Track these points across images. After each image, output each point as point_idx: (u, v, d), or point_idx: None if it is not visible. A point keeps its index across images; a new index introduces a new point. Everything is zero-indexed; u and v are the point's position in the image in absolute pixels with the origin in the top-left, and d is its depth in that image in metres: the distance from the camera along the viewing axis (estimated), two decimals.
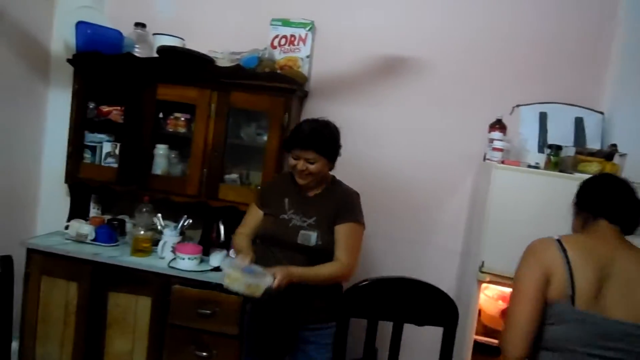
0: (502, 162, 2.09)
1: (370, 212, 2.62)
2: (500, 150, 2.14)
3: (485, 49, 2.48)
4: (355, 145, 2.61)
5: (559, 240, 1.32)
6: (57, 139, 2.73)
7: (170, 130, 2.56)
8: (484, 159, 2.31)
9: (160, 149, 2.55)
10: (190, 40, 2.62)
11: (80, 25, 2.56)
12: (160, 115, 2.56)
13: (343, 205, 1.89)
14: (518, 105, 2.38)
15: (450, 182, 2.56)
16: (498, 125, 2.26)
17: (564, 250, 1.29)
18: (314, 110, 2.64)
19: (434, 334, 1.77)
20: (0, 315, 1.55)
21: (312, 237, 1.82)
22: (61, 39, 2.76)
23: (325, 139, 1.82)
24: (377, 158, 2.61)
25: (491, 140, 2.21)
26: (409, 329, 1.73)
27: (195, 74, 2.45)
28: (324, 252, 1.81)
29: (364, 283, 1.72)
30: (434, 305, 1.69)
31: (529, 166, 2.07)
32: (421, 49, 2.53)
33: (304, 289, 1.76)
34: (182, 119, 2.55)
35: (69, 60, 2.59)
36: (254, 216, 2.01)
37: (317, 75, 2.65)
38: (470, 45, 2.50)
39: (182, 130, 2.55)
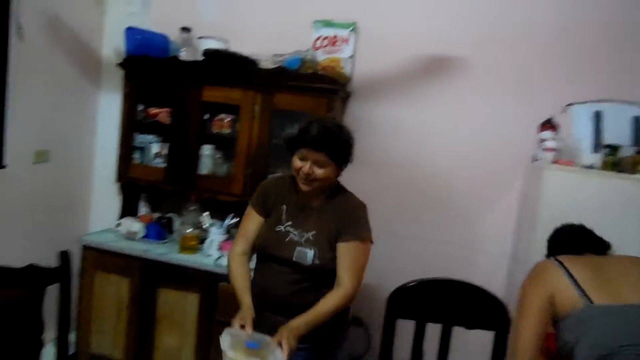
0: (554, 163, 2.03)
1: (413, 214, 2.63)
2: (552, 150, 2.07)
3: (533, 45, 2.41)
4: (398, 146, 2.60)
5: (556, 259, 1.42)
6: (108, 140, 2.84)
7: (216, 131, 2.61)
8: (534, 159, 2.24)
9: (206, 150, 2.60)
10: (234, 42, 2.66)
11: (130, 30, 2.64)
12: (206, 116, 2.62)
13: (347, 219, 1.66)
14: (570, 104, 2.31)
15: (497, 183, 2.50)
16: (549, 124, 2.20)
17: (561, 264, 1.39)
18: (356, 110, 2.65)
19: (482, 338, 1.74)
20: (59, 307, 1.62)
21: (308, 255, 1.61)
22: (111, 44, 2.87)
23: (338, 141, 1.59)
24: (421, 159, 2.58)
25: (542, 141, 2.15)
26: (456, 332, 1.71)
27: (239, 76, 2.48)
28: (321, 272, 1.63)
29: (412, 284, 1.70)
30: (484, 309, 1.66)
31: (584, 167, 2.01)
32: (467, 46, 2.48)
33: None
34: (227, 120, 2.59)
35: (119, 65, 2.68)
36: (254, 225, 1.74)
37: (359, 75, 2.64)
38: (518, 41, 2.43)
39: (226, 131, 2.60)
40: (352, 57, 2.59)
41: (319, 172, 1.59)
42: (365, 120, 2.63)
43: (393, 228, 2.62)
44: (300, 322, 1.52)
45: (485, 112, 2.49)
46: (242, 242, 1.74)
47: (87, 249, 2.57)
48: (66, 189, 2.78)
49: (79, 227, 2.88)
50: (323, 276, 1.63)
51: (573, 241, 1.55)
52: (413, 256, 2.60)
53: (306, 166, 1.59)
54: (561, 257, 1.43)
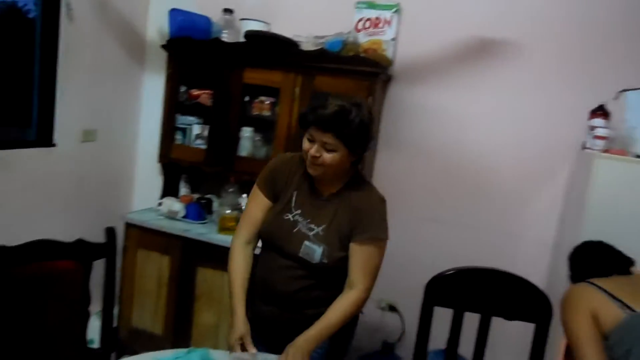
0: (605, 152, 1.94)
1: (452, 201, 2.58)
2: (604, 138, 1.98)
3: (586, 28, 2.29)
4: (440, 131, 2.54)
5: (586, 282, 1.46)
6: (152, 121, 2.90)
7: (256, 113, 2.62)
8: (583, 147, 2.15)
9: (246, 132, 2.62)
10: (276, 24, 2.65)
11: (173, 12, 2.67)
12: (246, 98, 2.64)
13: (364, 217, 1.48)
14: (624, 90, 2.19)
15: (542, 170, 2.41)
16: (600, 111, 2.09)
17: (592, 283, 1.42)
18: (397, 94, 2.60)
19: (522, 330, 1.70)
20: (105, 281, 1.68)
21: (316, 253, 1.46)
22: (156, 26, 2.91)
23: (352, 123, 1.37)
24: (463, 144, 2.52)
25: (592, 128, 2.05)
26: (495, 323, 1.67)
27: (280, 58, 2.48)
28: (328, 271, 1.50)
29: (450, 272, 1.67)
30: (525, 300, 1.62)
31: (638, 156, 1.90)
32: (514, 29, 2.39)
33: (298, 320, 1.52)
34: (267, 102, 2.60)
35: (162, 46, 2.72)
36: (261, 209, 1.57)
37: (402, 58, 2.58)
38: (569, 24, 2.31)
39: (266, 113, 2.61)
40: (394, 39, 2.54)
41: (327, 156, 1.40)
42: (407, 104, 2.58)
43: (431, 214, 2.59)
44: (310, 337, 1.41)
45: (532, 97, 2.40)
46: (247, 229, 1.58)
47: (130, 227, 2.65)
48: (111, 167, 2.87)
49: (122, 205, 2.98)
50: (330, 274, 1.51)
51: (597, 261, 1.57)
52: (451, 243, 2.55)
53: (313, 148, 1.40)
54: (590, 280, 1.45)
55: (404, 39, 2.56)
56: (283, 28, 2.57)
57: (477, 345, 1.67)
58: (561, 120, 2.35)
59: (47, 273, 1.54)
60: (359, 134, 1.40)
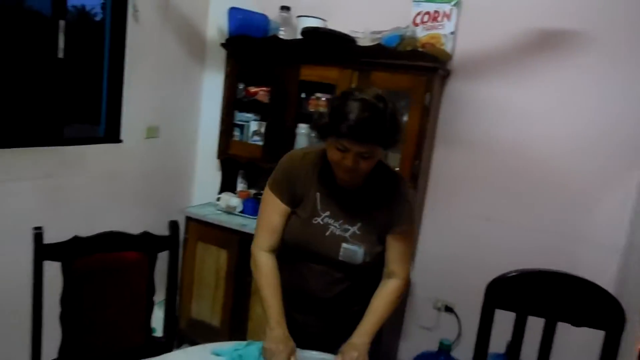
0: None
1: (513, 200, 2.48)
2: None
3: None
4: (501, 128, 2.45)
5: None
6: (211, 118, 2.99)
7: (312, 110, 2.63)
8: None
9: (302, 128, 2.64)
10: (332, 20, 2.65)
11: (232, 10, 2.72)
12: (303, 95, 2.65)
13: (398, 206, 1.41)
14: None
15: (613, 169, 2.27)
16: None
17: None
18: (456, 89, 2.53)
19: (590, 337, 1.61)
20: (168, 273, 1.75)
21: (358, 254, 1.39)
22: (216, 25, 2.98)
23: (386, 123, 1.25)
24: (526, 141, 2.41)
25: None
26: (560, 328, 1.60)
27: (336, 54, 2.47)
28: (367, 269, 1.45)
29: (512, 274, 1.61)
30: (594, 306, 1.53)
31: None
32: (582, 20, 2.25)
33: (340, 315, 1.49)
34: (323, 99, 2.60)
35: (222, 45, 2.79)
36: (280, 215, 1.44)
37: (461, 52, 2.51)
38: None
39: (322, 110, 2.61)
40: (453, 33, 2.47)
41: (364, 164, 1.30)
42: (466, 99, 2.51)
43: (490, 213, 2.50)
44: (364, 333, 1.38)
45: (603, 91, 2.25)
46: (268, 237, 1.45)
47: (190, 220, 2.74)
48: (173, 163, 2.98)
49: (183, 199, 3.09)
50: (367, 271, 1.46)
51: None
52: (511, 244, 2.46)
53: (348, 160, 1.27)
54: None
55: (463, 32, 2.49)
56: (340, 24, 2.56)
57: (540, 351, 1.60)
58: (633, 116, 2.20)
59: (116, 263, 1.62)
60: (394, 130, 1.29)
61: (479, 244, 2.53)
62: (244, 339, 1.69)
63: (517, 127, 2.43)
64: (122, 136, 2.55)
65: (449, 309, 2.61)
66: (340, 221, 1.41)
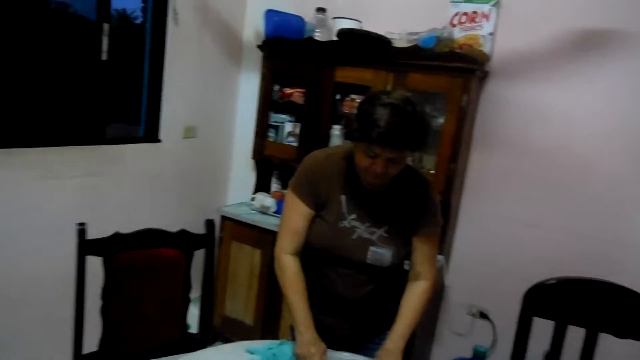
0: None
1: (552, 204, 2.40)
2: None
3: None
4: (542, 130, 2.39)
5: None
6: (247, 119, 3.03)
7: (346, 111, 2.63)
8: None
9: (337, 130, 2.63)
10: (368, 22, 2.64)
11: (269, 13, 2.75)
12: (337, 96, 2.65)
13: (422, 207, 1.41)
14: None
15: None
16: None
17: None
18: (494, 91, 2.48)
19: (634, 350, 1.55)
20: (204, 270, 1.78)
21: (386, 257, 1.39)
22: (252, 27, 3.02)
23: (419, 131, 1.24)
24: (568, 144, 2.34)
25: None
26: (602, 340, 1.54)
27: (372, 56, 2.46)
28: (393, 270, 1.46)
29: (552, 282, 1.56)
30: (639, 317, 1.47)
31: None
32: (627, 19, 2.17)
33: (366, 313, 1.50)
34: (358, 100, 2.60)
35: (258, 46, 2.82)
36: (304, 219, 1.43)
37: (500, 53, 2.45)
38: None
39: (351, 114, 2.59)
40: (492, 34, 2.42)
41: (393, 169, 1.29)
42: (504, 101, 2.45)
43: (529, 218, 2.44)
44: (398, 337, 1.37)
45: None
46: (291, 240, 1.44)
47: (225, 219, 2.79)
48: (209, 162, 3.04)
49: (218, 199, 3.14)
50: (393, 273, 1.47)
51: None
52: (550, 250, 2.39)
53: (378, 165, 1.26)
54: None
55: (502, 33, 2.43)
56: (375, 25, 2.55)
57: None
58: None
59: (154, 259, 1.66)
60: (424, 134, 1.27)
61: (516, 249, 2.46)
62: (276, 338, 1.71)
63: (558, 129, 2.36)
64: (161, 136, 2.62)
65: (483, 316, 2.56)
66: (367, 224, 1.40)
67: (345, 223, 1.40)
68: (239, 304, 2.79)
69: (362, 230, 1.40)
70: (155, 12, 2.51)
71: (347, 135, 1.31)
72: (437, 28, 2.42)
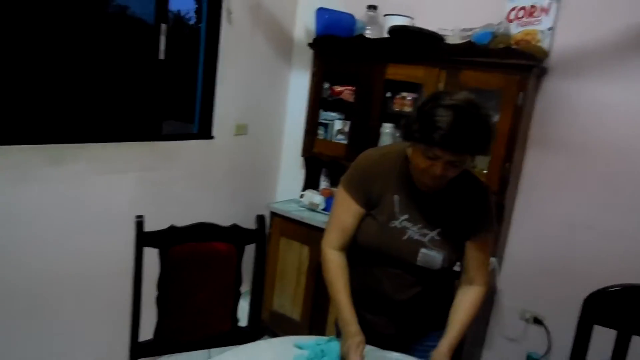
0: None
1: (616, 207, 2.28)
2: None
3: None
4: (603, 130, 2.27)
5: None
6: (296, 116, 3.06)
7: (397, 109, 2.60)
8: None
9: (387, 128, 2.61)
10: (420, 18, 2.60)
11: (320, 11, 2.76)
12: (388, 94, 2.63)
13: (477, 211, 1.39)
14: None
15: None
16: None
17: None
18: (553, 89, 2.38)
19: None
20: (255, 265, 1.82)
21: (437, 260, 1.37)
22: (303, 25, 3.05)
23: (483, 135, 1.21)
24: (627, 144, 2.21)
25: None
26: None
27: (424, 53, 2.42)
28: (442, 273, 1.43)
29: (615, 288, 1.49)
30: None
31: None
32: None
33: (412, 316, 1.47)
34: (409, 98, 2.57)
35: (309, 44, 2.84)
36: (353, 216, 1.42)
37: (560, 49, 2.35)
38: None
39: (408, 109, 2.57)
40: (551, 28, 2.32)
41: (452, 172, 1.26)
42: (564, 100, 2.35)
43: (588, 221, 2.32)
44: (450, 343, 1.33)
45: None
46: (338, 237, 1.44)
47: (274, 216, 2.83)
48: (259, 159, 3.09)
49: (268, 195, 3.19)
50: (441, 276, 1.44)
51: None
52: (610, 254, 2.26)
53: (438, 168, 1.23)
54: None
55: (562, 28, 2.33)
56: (427, 22, 2.51)
57: None
58: None
59: (207, 253, 1.71)
60: (487, 138, 1.22)
61: (573, 252, 2.36)
62: (322, 334, 1.72)
63: (619, 129, 2.23)
64: (214, 133, 2.69)
65: (537, 321, 2.46)
66: (419, 225, 1.38)
67: (397, 223, 1.39)
68: (287, 299, 2.82)
69: (413, 231, 1.38)
70: (209, 13, 2.57)
71: (406, 136, 1.29)
72: (493, 24, 2.35)
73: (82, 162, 2.07)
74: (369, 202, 1.42)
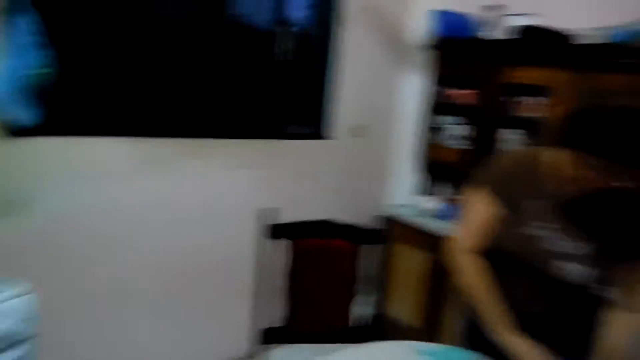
0: None
1: None
2: None
3: None
4: None
5: None
6: (411, 120, 3.03)
7: (519, 114, 2.47)
8: None
9: (507, 133, 2.49)
10: (545, 17, 2.42)
11: (436, 12, 2.71)
12: (509, 98, 2.50)
13: None
14: None
15: None
16: None
17: None
18: None
19: None
20: (375, 265, 1.83)
21: (581, 275, 1.26)
22: (418, 27, 3.01)
23: None
24: None
25: None
26: None
27: (551, 54, 2.27)
28: (585, 292, 1.30)
29: None
30: None
31: None
32: None
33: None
34: (532, 102, 2.42)
35: (425, 47, 2.80)
36: (491, 217, 1.32)
37: None
38: None
39: (531, 114, 2.43)
40: None
41: (612, 185, 1.12)
42: None
43: None
44: None
45: None
46: (475, 238, 1.34)
47: (389, 219, 2.81)
48: (374, 161, 3.11)
49: (381, 198, 3.19)
50: (581, 292, 1.31)
51: None
52: None
53: (599, 180, 1.11)
54: None
55: None
56: (553, 20, 2.34)
57: None
58: None
59: (328, 249, 1.76)
60: None
61: None
62: (438, 342, 1.67)
63: None
64: (331, 133, 2.76)
65: None
66: (566, 237, 1.27)
67: (539, 232, 1.28)
68: (401, 303, 2.79)
69: (558, 242, 1.27)
70: (325, 17, 2.65)
71: (566, 141, 1.16)
72: (635, 21, 2.14)
73: (211, 156, 2.23)
74: (509, 205, 1.32)
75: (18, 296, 1.19)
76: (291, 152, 2.60)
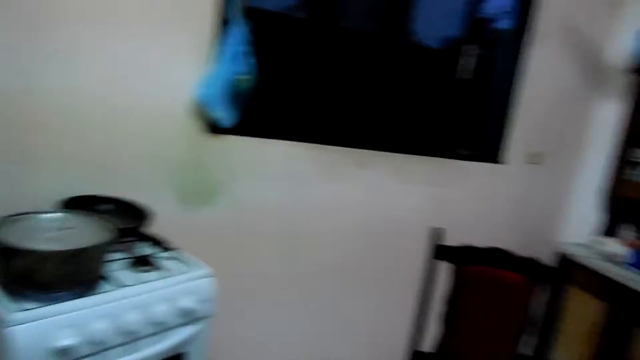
0: None
1: None
2: None
3: None
4: None
5: None
6: (600, 151, 2.71)
7: None
8: None
9: None
10: None
11: None
12: None
13: None
14: None
15: None
16: None
17: None
18: None
19: None
20: (549, 305, 1.63)
21: None
22: (621, 47, 2.67)
23: None
24: None
25: None
26: None
27: None
28: None
29: None
30: None
31: None
32: None
33: None
34: None
35: (627, 70, 2.47)
36: None
37: None
38: None
39: None
40: None
41: None
42: None
43: None
44: None
45: None
46: None
47: (565, 258, 2.51)
48: (549, 192, 2.83)
49: (552, 233, 2.88)
50: None
51: None
52: None
53: None
54: None
55: None
56: None
57: None
58: None
59: (499, 280, 1.62)
60: None
61: None
62: None
63: None
64: (505, 158, 2.57)
65: None
66: None
67: None
68: (567, 352, 2.46)
69: None
70: (515, 36, 2.48)
71: None
72: None
73: (381, 168, 2.23)
74: None
75: (202, 277, 1.29)
76: (462, 173, 2.48)
